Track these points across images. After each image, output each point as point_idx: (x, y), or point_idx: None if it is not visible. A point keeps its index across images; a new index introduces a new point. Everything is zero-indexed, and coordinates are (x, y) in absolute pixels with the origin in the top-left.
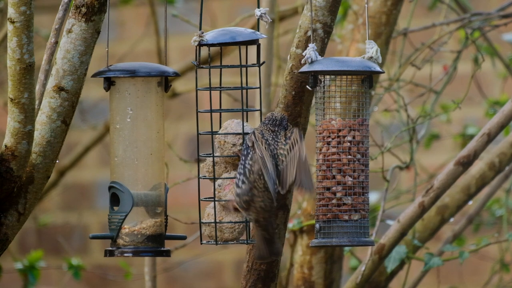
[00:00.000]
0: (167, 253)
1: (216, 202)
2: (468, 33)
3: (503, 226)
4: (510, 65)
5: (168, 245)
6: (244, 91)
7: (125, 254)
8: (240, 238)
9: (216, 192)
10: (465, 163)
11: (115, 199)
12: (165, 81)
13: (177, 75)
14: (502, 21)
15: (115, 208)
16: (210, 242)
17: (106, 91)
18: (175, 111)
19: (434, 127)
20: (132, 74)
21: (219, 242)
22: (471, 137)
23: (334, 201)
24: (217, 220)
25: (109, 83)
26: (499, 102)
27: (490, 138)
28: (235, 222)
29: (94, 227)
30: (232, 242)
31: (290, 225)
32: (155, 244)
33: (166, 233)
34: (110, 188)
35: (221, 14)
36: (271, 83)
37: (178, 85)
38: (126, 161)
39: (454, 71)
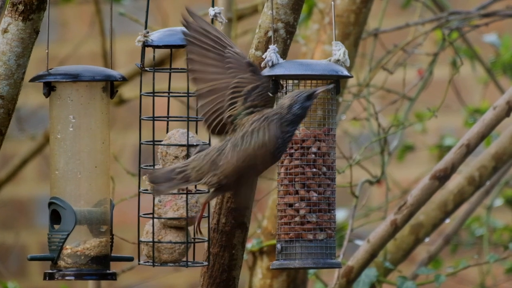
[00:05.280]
0: (113, 276)
1: (156, 220)
2: (445, 34)
3: (484, 246)
4: (492, 69)
5: (115, 267)
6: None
7: (67, 278)
8: (181, 260)
9: (156, 209)
10: (442, 177)
11: (55, 217)
12: (110, 86)
13: (124, 79)
14: (482, 21)
15: (56, 226)
16: (147, 263)
17: (46, 97)
18: (122, 119)
19: (407, 137)
20: (75, 78)
21: (156, 264)
22: (449, 148)
23: (297, 218)
24: (156, 239)
25: (49, 89)
26: (480, 110)
27: (470, 149)
28: (175, 243)
29: (33, 247)
30: (172, 264)
31: (248, 245)
32: (100, 266)
33: (112, 254)
34: (50, 204)
35: (174, 13)
36: None
37: (126, 91)
38: (68, 175)
39: (430, 75)
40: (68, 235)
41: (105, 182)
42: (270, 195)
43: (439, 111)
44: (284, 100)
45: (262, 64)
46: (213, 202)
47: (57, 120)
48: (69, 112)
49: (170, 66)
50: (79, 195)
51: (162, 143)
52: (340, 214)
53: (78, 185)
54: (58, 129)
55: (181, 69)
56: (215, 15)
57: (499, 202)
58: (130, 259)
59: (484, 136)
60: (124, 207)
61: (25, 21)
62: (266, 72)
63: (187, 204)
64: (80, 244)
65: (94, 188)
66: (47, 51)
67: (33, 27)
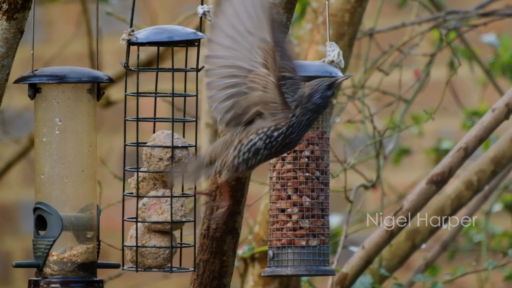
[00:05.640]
0: (100, 284)
1: (140, 224)
2: (442, 34)
3: (482, 253)
4: (490, 70)
5: (101, 274)
6: (182, 98)
7: (53, 285)
8: (166, 266)
9: (140, 212)
10: (439, 182)
11: (41, 222)
12: (97, 88)
13: (111, 81)
14: (481, 21)
15: (41, 232)
16: (131, 268)
17: (31, 99)
18: (109, 122)
19: (404, 140)
20: (61, 80)
21: (140, 269)
22: (446, 152)
23: (289, 224)
24: (140, 244)
25: (35, 90)
26: (478, 112)
27: (468, 153)
28: (159, 247)
29: (18, 254)
30: (156, 270)
31: (240, 252)
32: (86, 274)
33: (99, 261)
34: (35, 209)
35: (163, 12)
36: None
37: (113, 93)
38: (54, 179)
39: (426, 77)
40: (54, 241)
41: (92, 187)
42: (262, 200)
43: (436, 113)
44: (304, 89)
45: None
46: (203, 207)
47: (43, 122)
48: (55, 114)
49: (158, 65)
50: (65, 200)
51: (146, 144)
52: (334, 220)
53: (64, 190)
54: (43, 132)
55: (168, 69)
56: (204, 14)
57: (498, 207)
58: (117, 266)
59: (482, 139)
60: (111, 212)
61: (10, 21)
62: None
63: (171, 207)
64: (67, 250)
65: (80, 193)
66: (32, 51)
67: (17, 27)
